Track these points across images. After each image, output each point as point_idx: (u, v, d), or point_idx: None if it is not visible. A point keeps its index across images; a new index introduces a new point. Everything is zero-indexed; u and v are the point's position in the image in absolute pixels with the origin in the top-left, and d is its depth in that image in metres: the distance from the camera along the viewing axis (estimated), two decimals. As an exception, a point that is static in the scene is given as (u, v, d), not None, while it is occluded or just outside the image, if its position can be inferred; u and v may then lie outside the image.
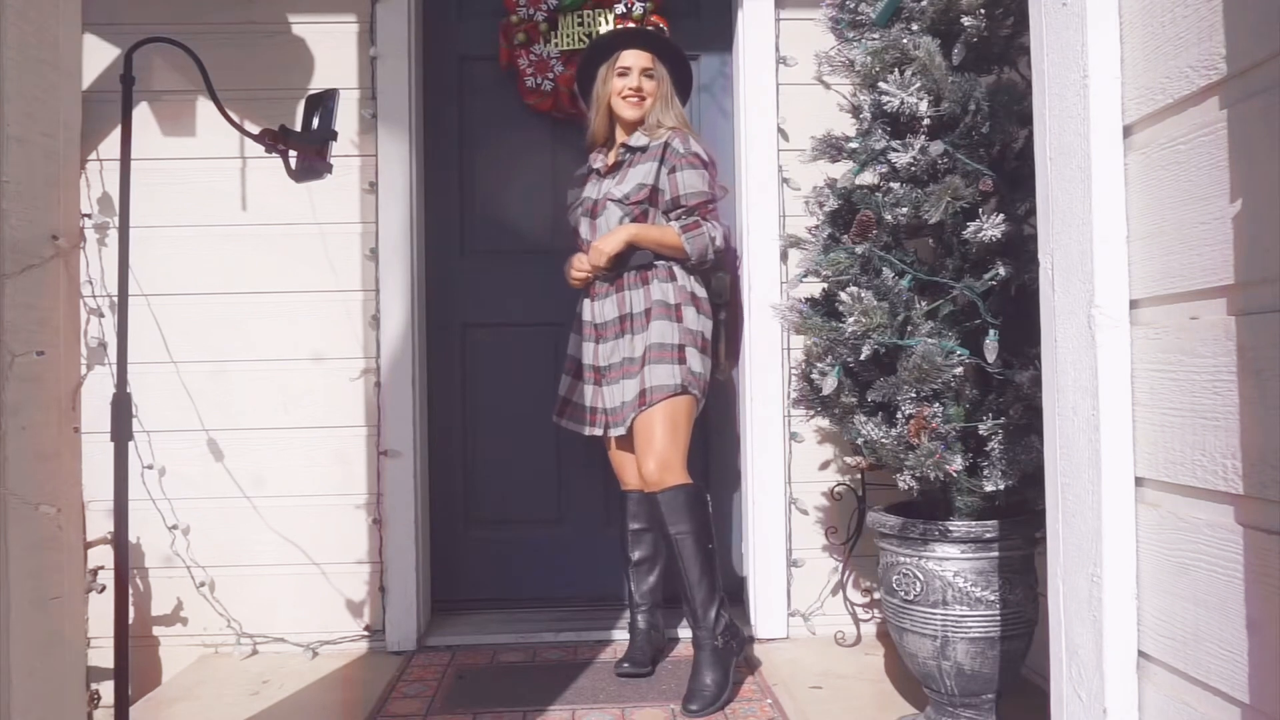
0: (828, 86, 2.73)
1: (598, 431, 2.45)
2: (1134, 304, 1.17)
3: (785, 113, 2.79)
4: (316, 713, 2.30)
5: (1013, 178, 1.92)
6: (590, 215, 2.46)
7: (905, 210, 1.93)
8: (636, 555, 2.50)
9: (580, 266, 2.44)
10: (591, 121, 2.53)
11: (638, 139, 2.44)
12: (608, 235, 2.38)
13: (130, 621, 1.92)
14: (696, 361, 2.34)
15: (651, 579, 2.51)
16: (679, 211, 2.38)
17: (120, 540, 1.83)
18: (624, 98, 2.44)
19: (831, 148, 2.14)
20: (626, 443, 2.44)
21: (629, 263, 2.39)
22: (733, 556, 2.95)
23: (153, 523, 2.68)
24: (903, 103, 1.90)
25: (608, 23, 2.87)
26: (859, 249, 2.00)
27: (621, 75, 2.45)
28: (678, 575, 2.29)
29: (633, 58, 2.44)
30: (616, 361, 2.40)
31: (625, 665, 2.44)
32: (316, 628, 2.72)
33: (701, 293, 2.42)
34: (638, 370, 2.33)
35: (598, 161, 2.52)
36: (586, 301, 2.49)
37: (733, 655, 2.30)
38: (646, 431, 2.30)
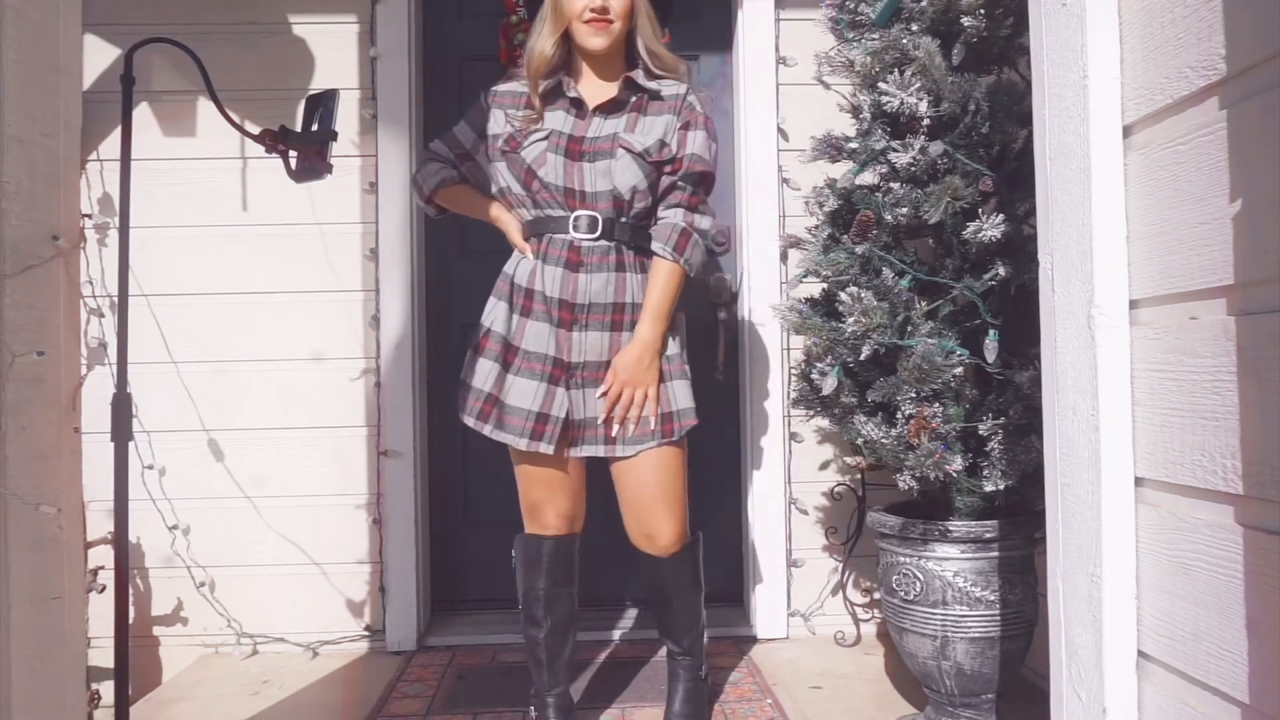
0: (828, 86, 2.73)
1: (546, 448, 1.86)
2: (1134, 304, 1.17)
3: (785, 113, 2.79)
4: (316, 713, 2.30)
5: (1013, 178, 1.92)
6: (571, 156, 1.87)
7: (905, 210, 1.93)
8: (551, 621, 1.96)
9: (625, 402, 1.88)
10: (536, 42, 1.92)
11: (644, 79, 1.93)
12: (638, 364, 1.86)
13: (130, 621, 1.92)
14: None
15: (569, 649, 2.01)
16: (674, 180, 1.91)
17: (120, 540, 1.83)
18: (586, 21, 1.87)
19: (831, 148, 2.14)
20: (560, 461, 1.91)
21: (621, 235, 1.89)
22: (733, 557, 2.95)
23: (153, 523, 2.68)
24: (903, 103, 1.90)
25: (608, 23, 2.87)
26: (859, 249, 2.00)
27: None
28: (673, 616, 2.02)
29: None
30: (595, 361, 1.89)
31: None
32: (316, 628, 2.72)
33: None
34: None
35: (572, 90, 1.92)
36: (554, 269, 1.88)
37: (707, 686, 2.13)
38: (668, 475, 1.91)
